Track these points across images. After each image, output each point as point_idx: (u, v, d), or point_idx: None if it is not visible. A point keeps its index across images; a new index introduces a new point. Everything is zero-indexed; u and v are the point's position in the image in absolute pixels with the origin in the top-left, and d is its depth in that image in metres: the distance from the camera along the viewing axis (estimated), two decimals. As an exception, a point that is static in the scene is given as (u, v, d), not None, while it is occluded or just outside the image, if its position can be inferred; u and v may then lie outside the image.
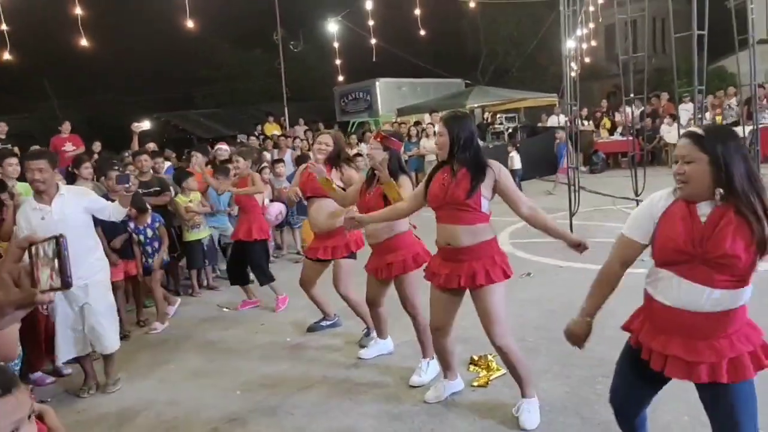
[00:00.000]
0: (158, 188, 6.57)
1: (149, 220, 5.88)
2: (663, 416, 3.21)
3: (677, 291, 2.17)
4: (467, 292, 3.39)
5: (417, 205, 3.53)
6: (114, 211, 4.37)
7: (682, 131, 9.88)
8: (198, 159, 7.60)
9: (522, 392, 3.44)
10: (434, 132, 12.46)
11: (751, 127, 9.34)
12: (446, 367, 3.80)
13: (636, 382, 2.45)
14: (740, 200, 2.06)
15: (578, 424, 3.32)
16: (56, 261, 1.07)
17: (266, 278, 6.00)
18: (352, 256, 4.83)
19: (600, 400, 3.48)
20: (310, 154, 5.04)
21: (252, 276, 6.21)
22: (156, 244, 5.89)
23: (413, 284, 4.03)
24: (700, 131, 2.15)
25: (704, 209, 2.15)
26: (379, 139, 4.01)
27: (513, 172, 12.18)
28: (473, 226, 3.23)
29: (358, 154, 9.15)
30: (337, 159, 4.77)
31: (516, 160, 12.43)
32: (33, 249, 1.09)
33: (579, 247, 3.25)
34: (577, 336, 2.52)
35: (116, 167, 5.54)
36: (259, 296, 6.23)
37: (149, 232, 5.88)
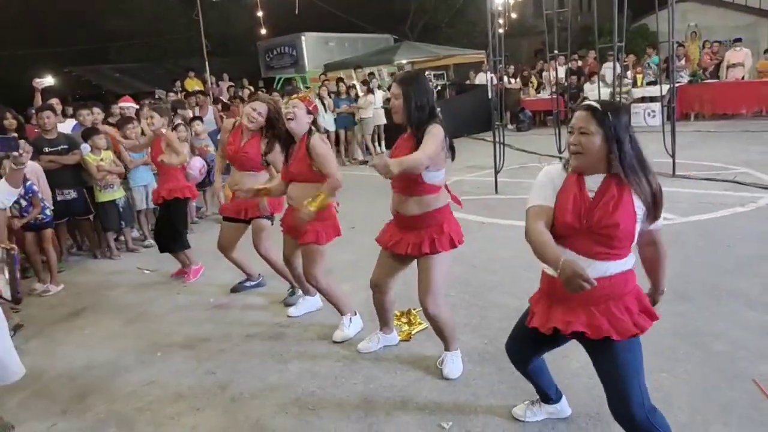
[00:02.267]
0: (66, 146, 6.23)
1: (21, 191, 5.56)
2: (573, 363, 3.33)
3: None
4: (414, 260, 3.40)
5: None
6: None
7: (603, 91, 10.17)
8: (84, 117, 7.11)
9: (446, 347, 3.51)
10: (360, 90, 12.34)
11: (668, 86, 9.67)
12: (382, 321, 3.82)
13: (529, 341, 2.59)
14: (628, 177, 2.14)
15: (495, 373, 3.40)
16: (6, 272, 0.95)
17: (181, 245, 5.66)
18: (269, 218, 4.75)
19: (516, 349, 3.59)
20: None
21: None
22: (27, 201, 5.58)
23: (318, 256, 3.97)
24: (597, 105, 2.19)
25: (592, 184, 2.22)
26: (312, 107, 3.90)
27: None
28: (420, 197, 3.20)
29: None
30: (271, 133, 4.54)
31: None
32: None
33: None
34: (571, 275, 2.00)
35: None
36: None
37: (23, 203, 5.54)
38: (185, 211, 5.76)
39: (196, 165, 6.63)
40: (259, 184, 4.33)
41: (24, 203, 5.52)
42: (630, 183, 2.15)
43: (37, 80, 7.64)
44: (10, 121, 6.29)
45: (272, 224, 4.81)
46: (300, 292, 4.72)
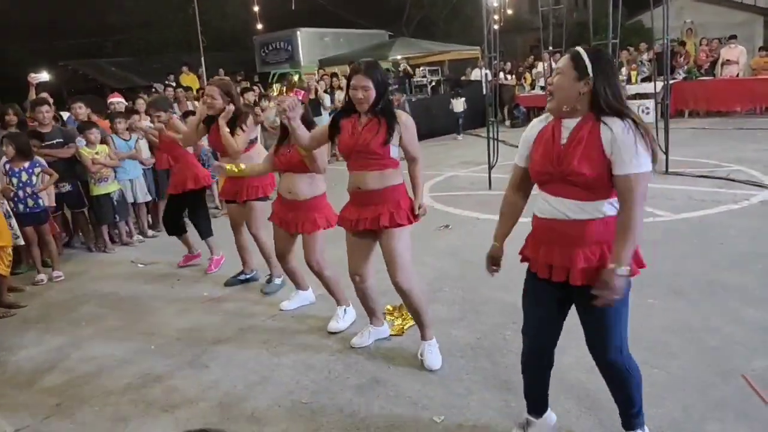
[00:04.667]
0: (61, 140, 6.22)
1: (26, 164, 5.68)
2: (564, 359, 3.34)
3: (547, 205, 2.30)
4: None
5: (317, 145, 3.62)
6: None
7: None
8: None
9: (423, 335, 3.55)
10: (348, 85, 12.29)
11: (662, 83, 9.67)
12: (370, 313, 3.84)
13: (543, 309, 2.47)
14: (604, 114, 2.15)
15: (488, 368, 3.42)
16: None
17: (208, 232, 5.70)
18: (263, 199, 4.79)
19: (509, 344, 3.62)
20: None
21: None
22: (28, 190, 5.67)
23: (319, 241, 4.06)
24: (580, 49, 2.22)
25: (568, 127, 2.23)
26: (302, 96, 3.95)
27: (456, 114, 13.67)
28: (382, 171, 3.29)
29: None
30: (233, 118, 4.60)
31: (456, 104, 13.84)
32: None
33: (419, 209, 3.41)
34: (489, 258, 2.68)
35: None
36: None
37: (24, 176, 5.65)
38: (201, 200, 5.73)
39: None
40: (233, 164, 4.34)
41: (25, 177, 5.65)
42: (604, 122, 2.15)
43: (33, 75, 7.62)
44: (11, 117, 6.29)
45: (269, 199, 4.77)
46: (278, 280, 4.91)
